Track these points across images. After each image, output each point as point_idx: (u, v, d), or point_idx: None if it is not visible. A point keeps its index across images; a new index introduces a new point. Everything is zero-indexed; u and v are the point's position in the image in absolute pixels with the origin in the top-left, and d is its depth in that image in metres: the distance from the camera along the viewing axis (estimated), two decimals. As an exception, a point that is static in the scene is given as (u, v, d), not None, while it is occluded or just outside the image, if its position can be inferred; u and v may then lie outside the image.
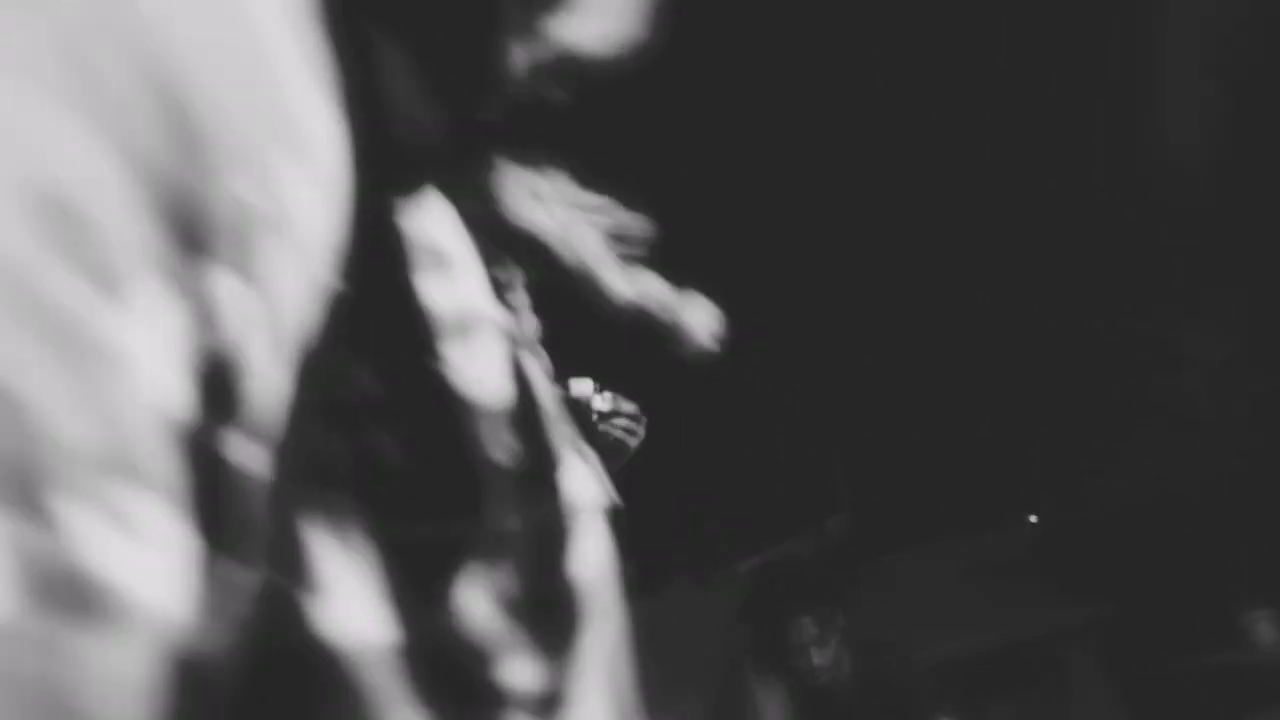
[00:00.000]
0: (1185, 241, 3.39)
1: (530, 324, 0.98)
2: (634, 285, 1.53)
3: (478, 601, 0.65)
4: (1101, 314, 3.58)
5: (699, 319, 1.77)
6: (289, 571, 0.59)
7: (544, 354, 1.68)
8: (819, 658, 2.61)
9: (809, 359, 3.92)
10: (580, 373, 1.85)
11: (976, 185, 3.33)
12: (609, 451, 1.77)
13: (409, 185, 0.73)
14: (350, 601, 0.61)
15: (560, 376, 1.63)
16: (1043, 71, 3.00)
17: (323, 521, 0.62)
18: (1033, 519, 4.10)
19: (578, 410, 1.78)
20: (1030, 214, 3.40)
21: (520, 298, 1.52)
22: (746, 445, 4.11)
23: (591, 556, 0.75)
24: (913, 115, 3.11)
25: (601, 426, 1.76)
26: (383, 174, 0.69)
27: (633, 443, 1.77)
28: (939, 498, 3.91)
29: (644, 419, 1.77)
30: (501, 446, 0.72)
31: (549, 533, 0.71)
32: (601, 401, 1.76)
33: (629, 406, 1.76)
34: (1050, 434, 3.96)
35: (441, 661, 0.63)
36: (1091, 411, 3.91)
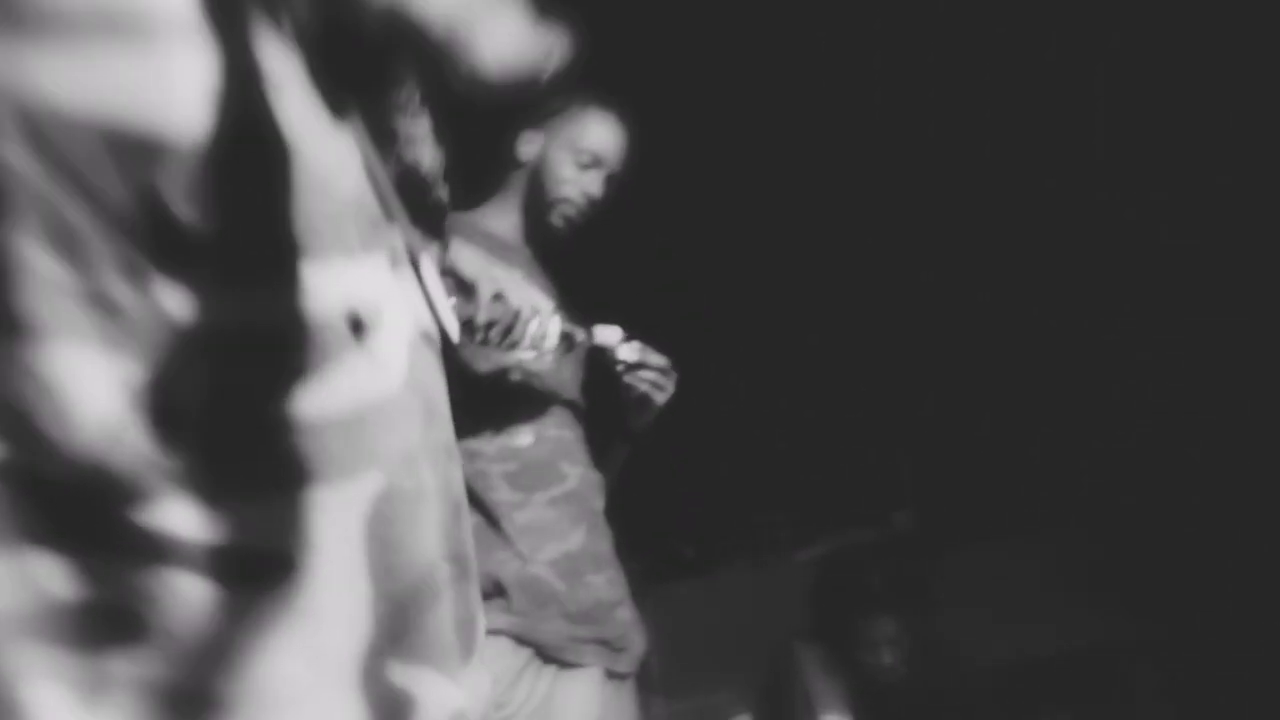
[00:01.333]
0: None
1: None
2: None
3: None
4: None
5: None
6: None
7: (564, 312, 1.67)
8: (890, 657, 2.54)
9: (877, 346, 3.89)
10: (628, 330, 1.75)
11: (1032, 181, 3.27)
12: (635, 405, 1.73)
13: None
14: None
15: (587, 323, 1.61)
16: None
17: None
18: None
19: (602, 359, 1.73)
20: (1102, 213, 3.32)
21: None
22: (813, 431, 4.09)
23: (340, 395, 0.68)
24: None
25: (627, 378, 1.68)
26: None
27: (660, 398, 1.70)
28: (1010, 496, 3.84)
29: (673, 374, 1.70)
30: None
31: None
32: (628, 351, 1.67)
33: (658, 359, 1.69)
34: (1127, 440, 3.87)
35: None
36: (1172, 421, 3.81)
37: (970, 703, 2.85)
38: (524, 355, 1.57)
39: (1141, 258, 3.33)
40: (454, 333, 0.86)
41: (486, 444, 1.62)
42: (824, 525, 4.07)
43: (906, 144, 3.16)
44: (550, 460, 1.66)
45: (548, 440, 1.67)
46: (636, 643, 1.72)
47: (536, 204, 1.81)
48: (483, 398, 1.63)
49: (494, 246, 1.75)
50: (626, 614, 1.70)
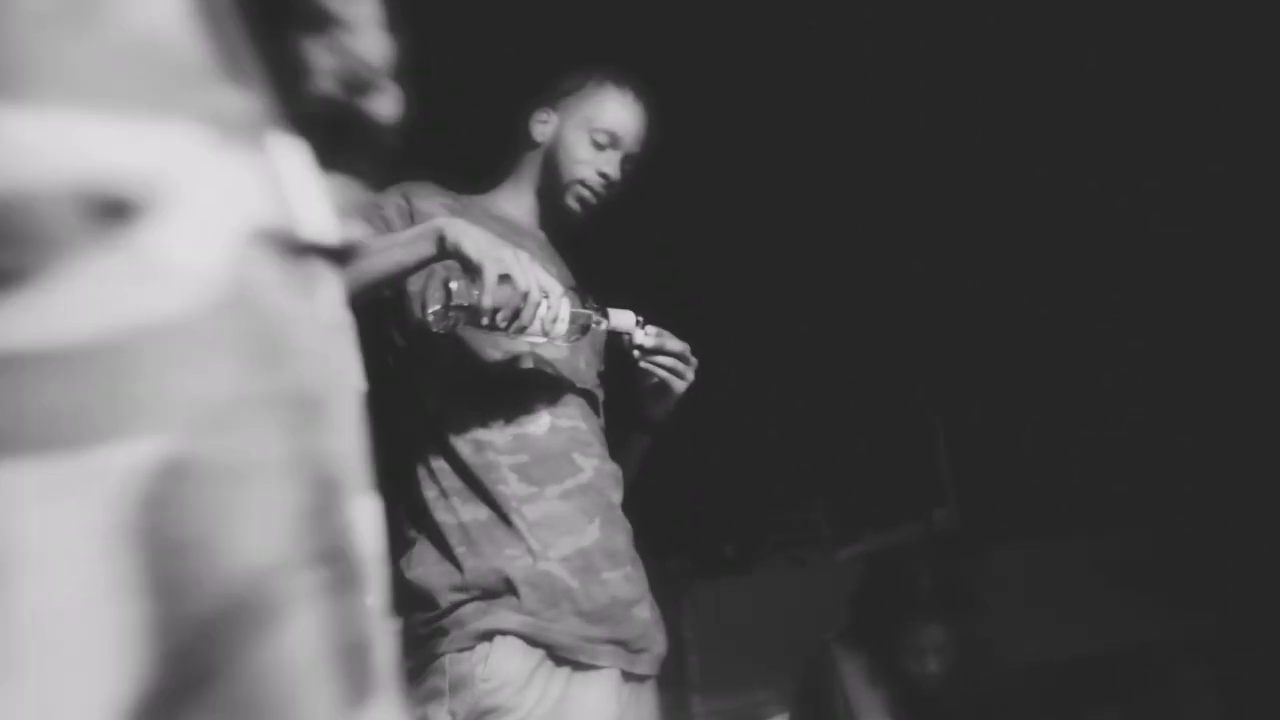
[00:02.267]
0: None
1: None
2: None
3: None
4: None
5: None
6: None
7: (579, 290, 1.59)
8: (936, 664, 2.44)
9: (919, 343, 3.85)
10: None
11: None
12: (652, 393, 1.65)
13: None
14: None
15: (601, 306, 1.53)
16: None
17: None
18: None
19: (617, 344, 1.65)
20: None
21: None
22: (852, 428, 4.06)
23: None
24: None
25: (643, 364, 1.60)
26: None
27: (679, 385, 1.62)
28: (1052, 493, 3.79)
29: (693, 360, 1.61)
30: None
31: None
32: (644, 336, 1.59)
33: (676, 344, 1.60)
34: (1170, 436, 3.81)
35: None
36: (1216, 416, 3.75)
37: (1015, 705, 2.78)
38: (535, 340, 1.50)
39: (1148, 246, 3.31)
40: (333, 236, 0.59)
41: (496, 434, 1.53)
42: (864, 523, 4.05)
43: (897, 134, 3.13)
44: (564, 451, 1.56)
45: (561, 431, 1.57)
46: (657, 642, 1.60)
47: (551, 186, 1.73)
48: (492, 386, 1.56)
49: (506, 230, 1.65)
50: (645, 613, 1.59)
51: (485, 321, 1.37)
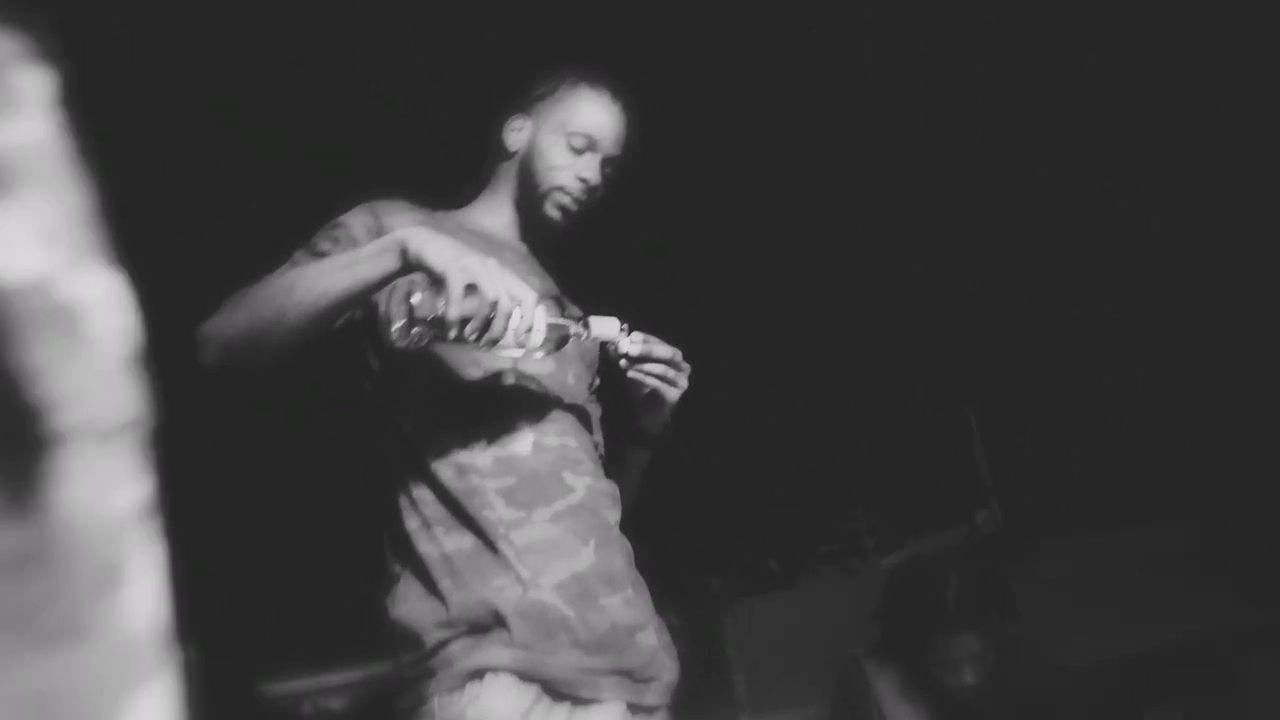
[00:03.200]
0: None
1: None
2: None
3: None
4: None
5: None
6: None
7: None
8: (972, 675, 2.35)
9: (948, 343, 3.81)
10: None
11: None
12: (644, 404, 1.57)
13: None
14: None
15: (582, 315, 1.46)
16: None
17: None
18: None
19: (602, 354, 1.58)
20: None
21: None
22: (888, 431, 4.02)
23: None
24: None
25: (631, 373, 1.52)
26: None
27: (672, 394, 1.53)
28: (1095, 488, 3.71)
29: (685, 366, 1.53)
30: None
31: None
32: (630, 344, 1.51)
33: (665, 350, 1.52)
34: (1224, 425, 3.71)
35: None
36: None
37: (1070, 709, 2.69)
38: (511, 354, 1.40)
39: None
40: None
41: (479, 456, 1.45)
42: (907, 528, 3.99)
43: (898, 134, 3.11)
44: (552, 471, 1.47)
45: (548, 449, 1.48)
46: (667, 669, 1.50)
47: (529, 195, 1.66)
48: (472, 406, 1.48)
49: (484, 244, 1.56)
50: (650, 639, 1.48)
51: (453, 335, 1.29)
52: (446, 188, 1.79)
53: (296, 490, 3.62)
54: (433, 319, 1.28)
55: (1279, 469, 3.48)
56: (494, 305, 1.28)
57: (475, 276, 1.28)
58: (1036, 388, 3.81)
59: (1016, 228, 3.27)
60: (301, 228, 1.58)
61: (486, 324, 1.29)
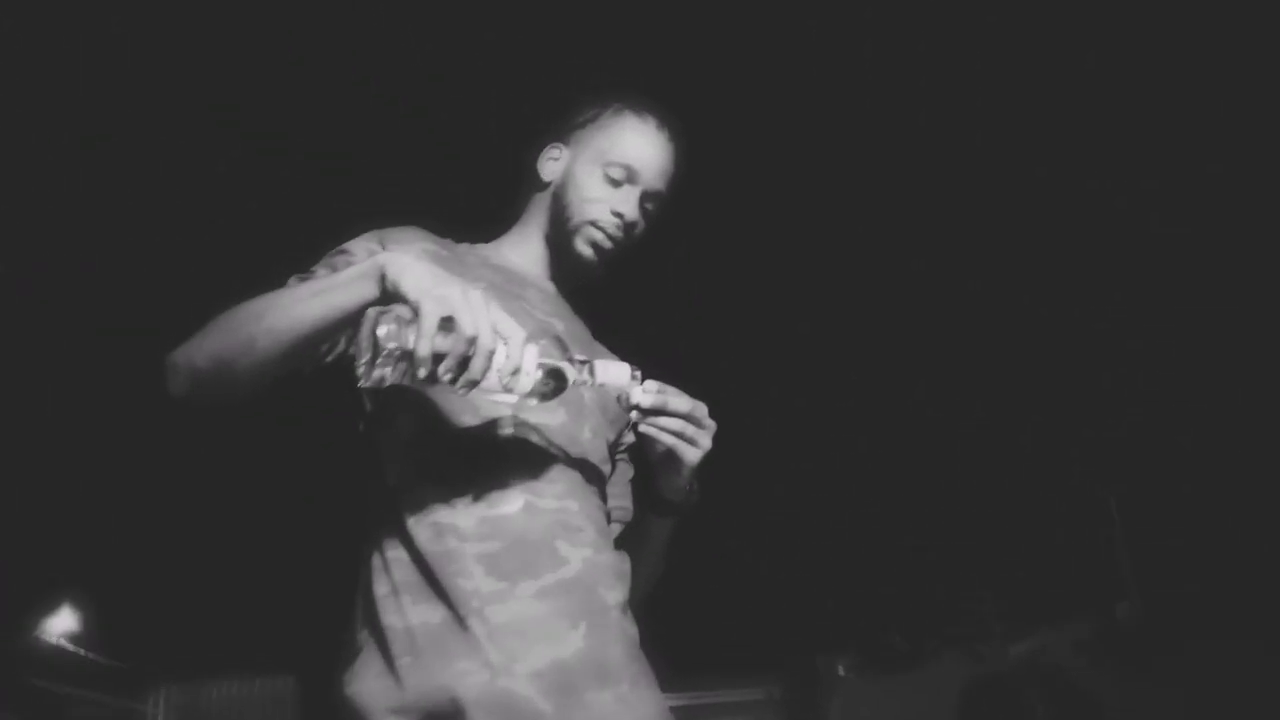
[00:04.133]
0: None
1: None
2: None
3: None
4: None
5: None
6: None
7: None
8: None
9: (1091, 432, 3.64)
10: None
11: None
12: (662, 464, 1.37)
13: None
14: None
15: (587, 360, 1.25)
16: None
17: None
18: None
19: (614, 406, 1.41)
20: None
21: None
22: (1023, 512, 3.85)
23: None
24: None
25: (643, 428, 1.31)
26: None
27: (690, 454, 1.32)
28: (1237, 584, 3.43)
29: (709, 424, 1.32)
30: None
31: None
32: (641, 394, 1.30)
33: (684, 403, 1.31)
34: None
35: None
36: None
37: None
38: (501, 399, 1.21)
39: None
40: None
41: (462, 516, 1.26)
42: (1038, 616, 3.79)
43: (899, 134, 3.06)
44: (544, 539, 1.27)
45: (543, 513, 1.29)
46: None
47: (560, 229, 1.49)
48: (464, 458, 1.30)
49: (507, 281, 1.45)
50: None
51: (424, 373, 1.12)
52: (453, 197, 1.69)
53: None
54: (401, 354, 1.12)
55: None
56: (471, 342, 1.11)
57: (453, 308, 1.11)
58: (1184, 465, 3.59)
59: (1014, 228, 3.22)
60: (302, 227, 1.51)
61: (464, 362, 1.12)
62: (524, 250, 1.53)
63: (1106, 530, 3.75)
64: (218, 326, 1.23)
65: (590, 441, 1.39)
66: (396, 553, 1.26)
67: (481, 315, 1.13)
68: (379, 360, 1.13)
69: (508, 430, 1.31)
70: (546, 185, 1.52)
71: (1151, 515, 3.68)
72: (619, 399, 1.32)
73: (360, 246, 1.38)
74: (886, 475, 4.02)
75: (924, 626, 4.00)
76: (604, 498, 1.42)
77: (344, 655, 1.27)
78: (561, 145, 1.52)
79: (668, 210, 1.50)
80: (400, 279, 1.15)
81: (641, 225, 1.49)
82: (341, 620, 1.29)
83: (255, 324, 1.21)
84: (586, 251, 1.46)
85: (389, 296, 1.16)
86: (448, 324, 1.11)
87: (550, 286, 1.53)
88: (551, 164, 1.52)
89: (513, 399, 1.20)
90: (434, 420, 1.31)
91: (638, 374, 1.28)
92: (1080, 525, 3.79)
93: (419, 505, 1.27)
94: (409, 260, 1.17)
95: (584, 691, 1.20)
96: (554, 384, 1.21)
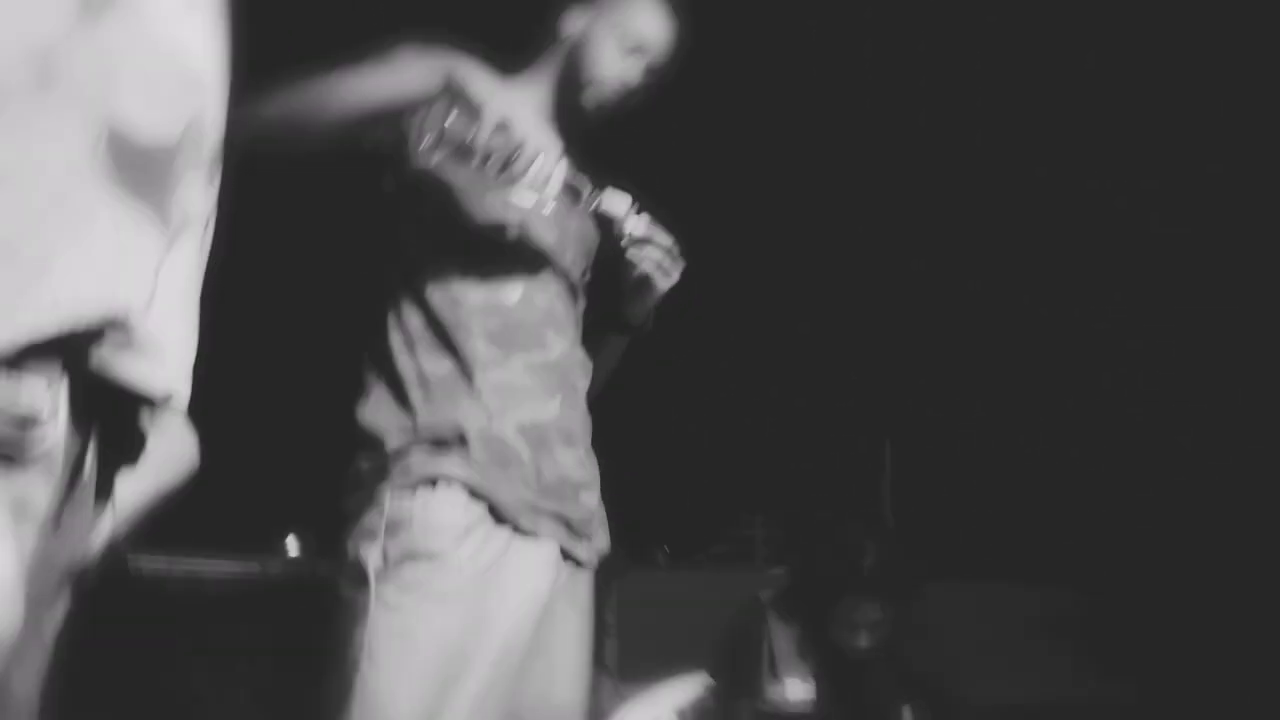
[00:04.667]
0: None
1: None
2: None
3: None
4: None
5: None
6: None
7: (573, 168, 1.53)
8: (867, 641, 2.45)
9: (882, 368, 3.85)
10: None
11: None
12: (634, 287, 1.61)
13: None
14: None
15: (597, 185, 1.53)
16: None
17: None
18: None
19: (607, 227, 1.63)
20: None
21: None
22: (802, 446, 4.04)
23: None
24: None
25: (630, 253, 1.56)
26: None
27: (663, 283, 1.58)
28: (999, 540, 3.78)
29: (681, 261, 1.58)
30: None
31: None
32: (636, 224, 1.56)
33: (665, 239, 1.57)
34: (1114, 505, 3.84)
35: None
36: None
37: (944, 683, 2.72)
38: (525, 197, 1.50)
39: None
40: None
41: (473, 293, 1.53)
42: (800, 545, 3.99)
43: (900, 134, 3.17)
44: (536, 326, 1.55)
45: (536, 307, 1.56)
46: (599, 536, 1.58)
47: (570, 81, 1.69)
48: (475, 246, 1.55)
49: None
50: (592, 500, 1.57)
51: (474, 162, 1.37)
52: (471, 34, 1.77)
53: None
54: (461, 143, 1.36)
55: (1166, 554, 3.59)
56: (519, 146, 1.36)
57: (509, 115, 1.36)
58: (960, 431, 3.88)
59: (1014, 227, 3.35)
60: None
61: (509, 161, 1.37)
62: (532, 92, 1.71)
63: (878, 473, 4.02)
64: (291, 90, 1.43)
65: (572, 265, 1.65)
66: (411, 311, 1.53)
67: (531, 126, 1.38)
68: (442, 143, 1.39)
69: (514, 233, 1.56)
70: (563, 40, 1.71)
71: (923, 465, 3.97)
72: (615, 225, 1.55)
73: (408, 50, 1.52)
74: (687, 396, 4.07)
75: (693, 541, 4.11)
76: (579, 306, 1.68)
77: (356, 395, 1.52)
78: (583, 8, 1.71)
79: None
80: (467, 82, 1.38)
81: (636, 94, 1.70)
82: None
83: (329, 92, 1.42)
84: (590, 105, 1.67)
85: (452, 94, 1.39)
86: (503, 127, 1.35)
87: (550, 128, 1.70)
88: (572, 22, 1.70)
89: (535, 200, 1.50)
90: (455, 211, 1.55)
91: (636, 206, 1.55)
92: (857, 467, 4.03)
93: (437, 276, 1.53)
94: (474, 68, 1.41)
95: (554, 448, 1.52)
96: (572, 196, 1.49)
